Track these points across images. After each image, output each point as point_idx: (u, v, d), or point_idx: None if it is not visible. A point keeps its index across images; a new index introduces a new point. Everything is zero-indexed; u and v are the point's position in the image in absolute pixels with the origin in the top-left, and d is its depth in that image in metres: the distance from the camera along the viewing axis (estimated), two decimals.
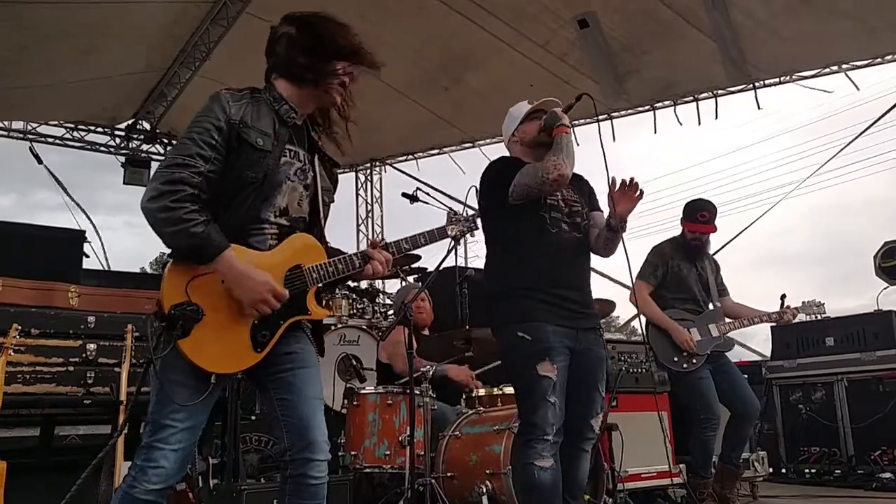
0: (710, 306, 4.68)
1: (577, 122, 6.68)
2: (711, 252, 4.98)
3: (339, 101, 2.26)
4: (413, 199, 4.31)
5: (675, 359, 4.48)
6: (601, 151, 3.10)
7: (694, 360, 4.45)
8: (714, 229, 4.69)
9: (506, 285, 3.01)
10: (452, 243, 4.30)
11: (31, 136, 8.57)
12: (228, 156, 2.07)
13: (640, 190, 2.98)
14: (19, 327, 2.93)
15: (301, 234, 2.23)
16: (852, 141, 8.06)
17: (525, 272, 2.96)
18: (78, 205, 9.01)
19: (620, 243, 3.06)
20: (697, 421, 4.42)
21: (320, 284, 2.21)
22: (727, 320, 4.65)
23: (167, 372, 1.99)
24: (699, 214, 4.63)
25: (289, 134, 2.20)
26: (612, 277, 8.69)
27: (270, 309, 2.07)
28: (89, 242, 5.97)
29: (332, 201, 2.42)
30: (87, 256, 5.89)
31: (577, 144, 3.06)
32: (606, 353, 3.35)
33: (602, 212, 3.20)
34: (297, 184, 2.21)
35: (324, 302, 2.91)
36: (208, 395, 2.04)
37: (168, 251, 2.06)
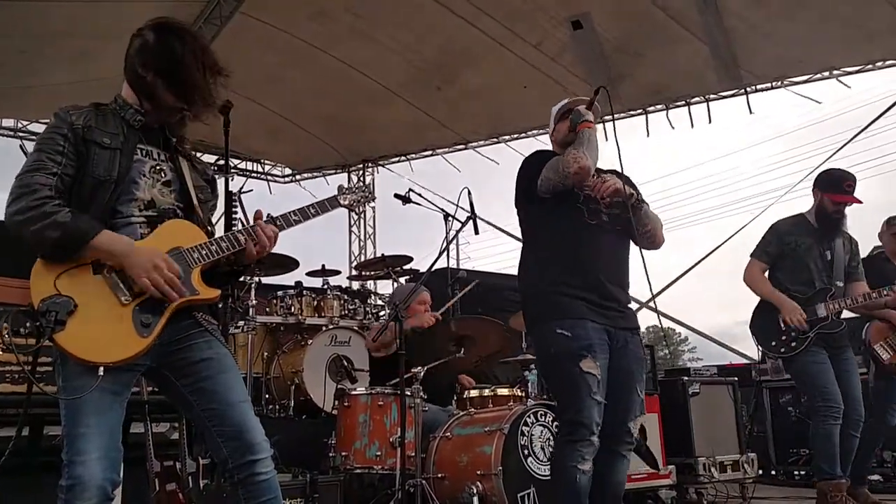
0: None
1: None
2: (706, 255, 4.74)
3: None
4: (405, 200, 4.31)
5: (773, 343, 4.05)
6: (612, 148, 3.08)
7: (793, 344, 3.99)
8: (859, 200, 4.11)
9: (541, 282, 2.97)
10: (445, 243, 4.32)
11: (21, 134, 8.51)
12: (79, 161, 2.07)
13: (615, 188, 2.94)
14: (8, 326, 2.90)
15: (176, 220, 2.20)
16: (844, 145, 8.10)
17: (562, 268, 2.93)
18: None
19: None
20: (815, 409, 3.94)
21: (202, 264, 2.15)
22: (841, 300, 4.06)
23: (66, 380, 1.99)
24: (846, 184, 4.05)
25: (138, 136, 2.20)
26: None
27: (165, 281, 2.02)
28: None
29: (212, 199, 2.40)
30: None
31: (606, 139, 3.05)
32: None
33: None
34: (155, 181, 2.20)
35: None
36: (110, 393, 1.99)
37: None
